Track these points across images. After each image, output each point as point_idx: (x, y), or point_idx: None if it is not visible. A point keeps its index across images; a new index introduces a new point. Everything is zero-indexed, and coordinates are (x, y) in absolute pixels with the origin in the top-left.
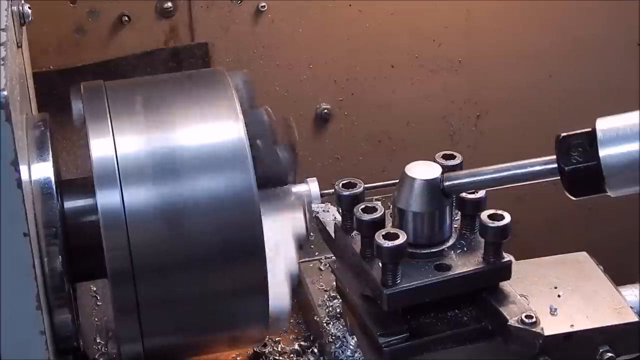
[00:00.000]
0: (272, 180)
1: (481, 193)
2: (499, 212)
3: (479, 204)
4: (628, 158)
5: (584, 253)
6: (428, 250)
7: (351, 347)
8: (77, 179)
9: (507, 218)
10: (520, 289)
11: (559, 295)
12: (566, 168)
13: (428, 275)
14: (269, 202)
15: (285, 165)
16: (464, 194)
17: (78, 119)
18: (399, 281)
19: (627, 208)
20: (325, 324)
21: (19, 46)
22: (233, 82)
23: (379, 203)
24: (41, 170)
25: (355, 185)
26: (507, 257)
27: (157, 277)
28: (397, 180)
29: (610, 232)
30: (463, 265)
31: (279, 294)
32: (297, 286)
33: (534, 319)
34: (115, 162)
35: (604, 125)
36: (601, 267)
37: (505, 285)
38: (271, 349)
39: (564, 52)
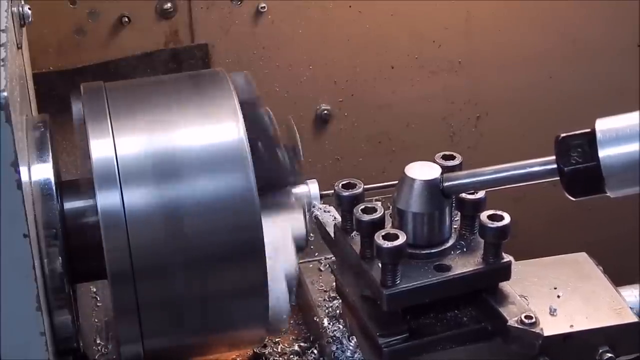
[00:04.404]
0: (273, 182)
1: (481, 194)
2: (499, 212)
3: (479, 205)
4: (627, 159)
5: (584, 253)
6: (428, 251)
7: (351, 347)
8: (77, 180)
9: (507, 219)
10: (519, 290)
11: (558, 296)
12: (565, 169)
13: (428, 276)
14: (269, 205)
15: (287, 166)
16: (463, 195)
17: (77, 119)
18: (398, 282)
19: (627, 209)
20: (325, 325)
21: (19, 47)
22: (235, 82)
23: (379, 204)
24: (41, 172)
25: (355, 186)
26: (507, 257)
27: (157, 278)
28: (397, 182)
29: (610, 232)
30: (463, 265)
31: (278, 294)
32: (297, 287)
33: (533, 320)
34: (115, 163)
35: (604, 125)
36: (601, 267)
37: (504, 285)
38: (271, 350)
39: (564, 54)
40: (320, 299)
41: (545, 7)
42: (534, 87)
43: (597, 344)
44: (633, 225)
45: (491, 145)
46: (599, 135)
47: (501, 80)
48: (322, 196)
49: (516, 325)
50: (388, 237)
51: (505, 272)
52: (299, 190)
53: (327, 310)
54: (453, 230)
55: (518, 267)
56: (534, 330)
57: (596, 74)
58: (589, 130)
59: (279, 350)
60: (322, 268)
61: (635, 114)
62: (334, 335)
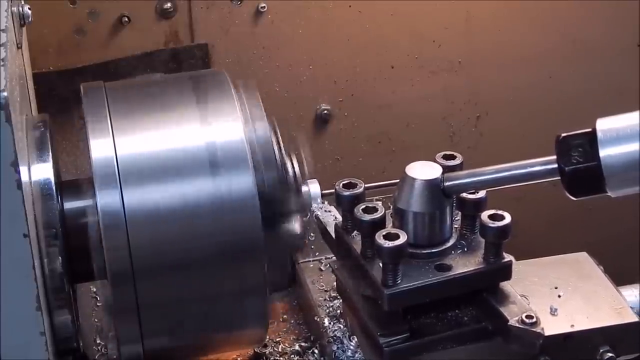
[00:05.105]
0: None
1: (481, 193)
2: (499, 212)
3: (479, 204)
4: (628, 158)
5: (584, 253)
6: (428, 251)
7: (351, 347)
8: (77, 180)
9: (508, 218)
10: (520, 289)
11: (559, 296)
12: (566, 168)
13: (428, 276)
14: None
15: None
16: (464, 194)
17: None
18: (399, 281)
19: (627, 209)
20: (325, 324)
21: (19, 47)
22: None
23: (380, 203)
24: (41, 171)
25: (356, 186)
26: (508, 257)
27: (156, 277)
28: (398, 181)
29: (610, 232)
30: (463, 265)
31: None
32: (298, 287)
33: (534, 319)
34: (115, 163)
35: (604, 125)
36: (601, 267)
37: (505, 285)
38: (272, 350)
39: (564, 53)
40: (320, 298)
41: (545, 7)
42: (534, 87)
43: (598, 344)
44: (633, 224)
45: (491, 145)
46: (599, 134)
47: (501, 80)
48: (322, 196)
49: (517, 324)
50: (389, 236)
51: (505, 272)
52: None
53: (327, 310)
54: (454, 230)
55: (519, 267)
56: (534, 329)
57: (596, 74)
58: (589, 130)
59: (280, 350)
60: (322, 268)
61: (635, 114)
62: (335, 335)
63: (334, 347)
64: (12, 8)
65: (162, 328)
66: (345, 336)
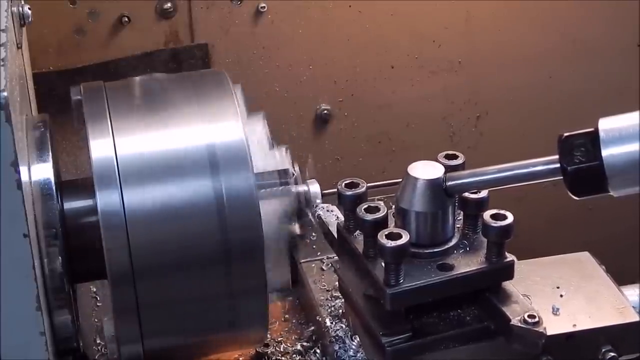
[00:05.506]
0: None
1: (483, 193)
2: (502, 212)
3: (482, 204)
4: (630, 158)
5: (586, 253)
6: (431, 250)
7: (353, 347)
8: (77, 180)
9: (510, 218)
10: (522, 289)
11: (561, 295)
12: (569, 168)
13: (431, 275)
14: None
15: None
16: (466, 194)
17: (76, 106)
18: (401, 281)
19: (628, 208)
20: (327, 324)
21: (19, 47)
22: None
23: (382, 203)
24: (41, 171)
25: (358, 185)
26: (510, 257)
27: (156, 277)
28: (400, 180)
29: (612, 232)
30: (466, 265)
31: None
32: (299, 286)
33: (536, 319)
34: (115, 163)
35: (607, 125)
36: (603, 266)
37: (507, 285)
38: (273, 349)
39: (564, 53)
40: (322, 298)
41: (545, 7)
42: (534, 86)
43: (600, 343)
44: (634, 224)
45: (491, 145)
46: (602, 134)
47: (501, 80)
48: (322, 195)
49: (519, 324)
50: (391, 236)
51: (508, 272)
52: (300, 189)
53: (329, 310)
54: (456, 230)
55: (521, 267)
56: (537, 329)
57: (596, 74)
58: (592, 129)
59: (282, 349)
60: (324, 267)
61: (637, 114)
62: (337, 335)
63: (336, 347)
64: (12, 8)
65: (162, 328)
66: (347, 336)
